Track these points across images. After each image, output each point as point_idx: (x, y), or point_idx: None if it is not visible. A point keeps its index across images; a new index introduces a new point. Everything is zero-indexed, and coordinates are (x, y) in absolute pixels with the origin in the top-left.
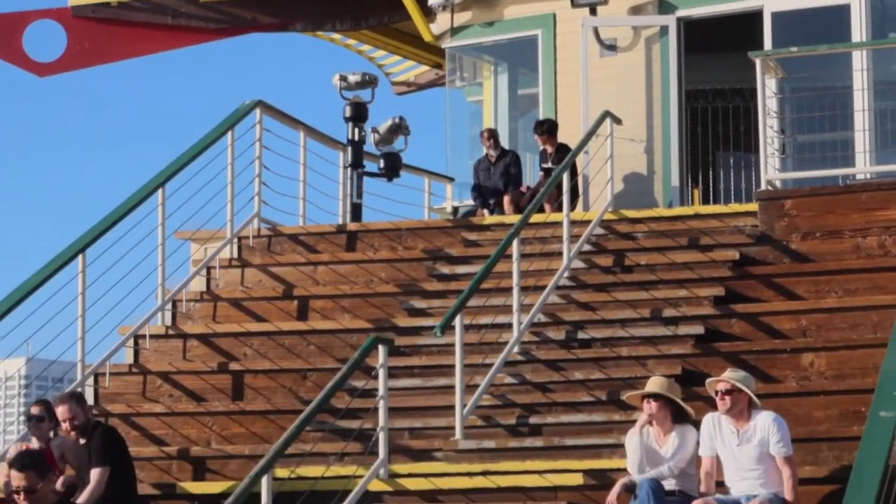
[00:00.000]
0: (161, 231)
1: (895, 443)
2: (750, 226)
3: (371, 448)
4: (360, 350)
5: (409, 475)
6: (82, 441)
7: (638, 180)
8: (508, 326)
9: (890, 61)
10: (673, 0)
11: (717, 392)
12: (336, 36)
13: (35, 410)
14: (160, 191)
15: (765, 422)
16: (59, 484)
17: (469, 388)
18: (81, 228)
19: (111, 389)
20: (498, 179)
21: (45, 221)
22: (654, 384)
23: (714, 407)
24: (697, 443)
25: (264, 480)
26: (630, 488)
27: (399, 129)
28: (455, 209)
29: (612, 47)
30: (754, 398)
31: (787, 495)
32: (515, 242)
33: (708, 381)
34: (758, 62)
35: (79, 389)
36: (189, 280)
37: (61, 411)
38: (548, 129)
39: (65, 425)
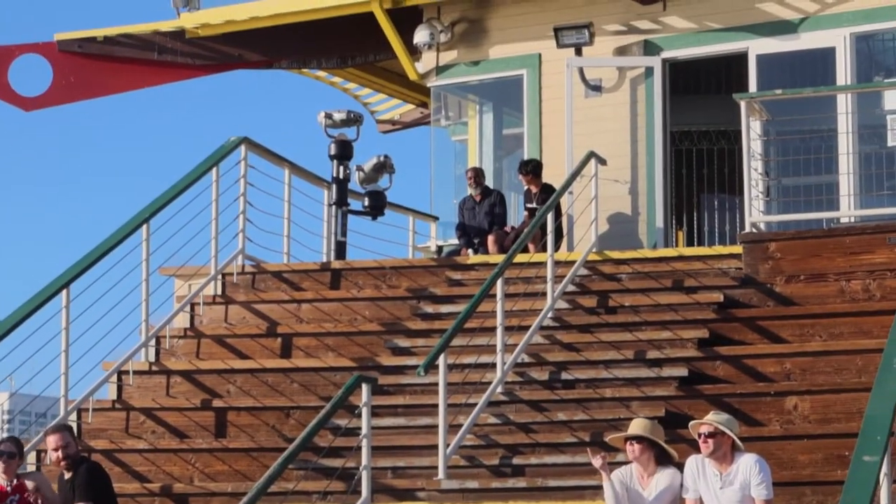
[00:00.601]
0: (145, 267)
1: (879, 487)
2: (734, 268)
3: (354, 487)
4: (343, 388)
5: None
6: (67, 476)
7: (622, 221)
8: (492, 366)
9: (875, 105)
10: (658, 41)
11: (700, 435)
12: (322, 74)
13: (4, 447)
14: (145, 226)
15: (747, 464)
16: None
17: (452, 428)
18: (65, 263)
19: (94, 425)
20: (483, 219)
21: (28, 256)
22: (637, 426)
23: (698, 449)
24: (681, 485)
25: None
26: None
27: (384, 167)
28: (439, 248)
29: (597, 88)
30: (737, 441)
31: None
32: (499, 282)
33: (691, 423)
34: (742, 104)
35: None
36: (173, 316)
37: (54, 440)
38: (532, 169)
39: (55, 455)
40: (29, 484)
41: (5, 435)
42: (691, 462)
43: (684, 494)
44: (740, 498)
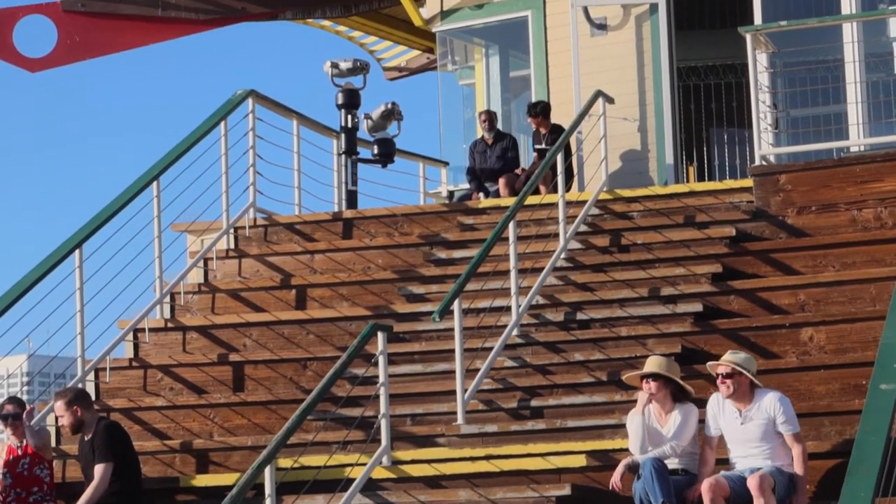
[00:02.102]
0: (157, 224)
1: None
2: (745, 202)
3: (373, 436)
4: (359, 338)
5: (412, 461)
6: (87, 437)
7: (632, 159)
8: (507, 310)
9: (881, 33)
10: None
11: (717, 375)
12: (326, 23)
13: (6, 410)
14: (155, 183)
15: (771, 401)
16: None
17: (469, 373)
18: (77, 223)
19: (112, 384)
20: (494, 162)
21: (41, 217)
22: (653, 364)
23: (717, 385)
24: (699, 421)
25: (267, 471)
26: (633, 468)
27: (392, 114)
28: (450, 193)
29: (602, 26)
30: (755, 380)
31: (799, 470)
32: (511, 225)
33: (709, 363)
34: (748, 37)
35: (79, 385)
36: (186, 272)
37: (55, 408)
38: (541, 110)
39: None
40: (31, 442)
41: (25, 397)
42: (713, 400)
43: (706, 432)
44: (762, 433)
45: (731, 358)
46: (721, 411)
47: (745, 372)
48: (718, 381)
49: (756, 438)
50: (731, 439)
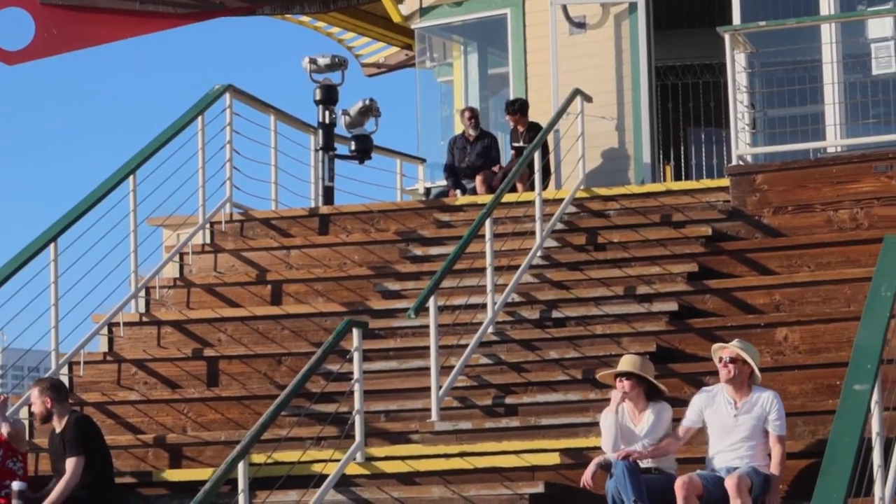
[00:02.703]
0: (133, 218)
1: (870, 416)
2: (722, 201)
3: (347, 431)
4: (334, 334)
5: (386, 458)
6: (58, 429)
7: (609, 158)
8: (482, 307)
9: (858, 34)
10: None
11: (720, 359)
12: (305, 19)
13: None
14: (131, 177)
15: (768, 399)
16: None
17: (444, 370)
18: (53, 217)
19: (86, 378)
20: (475, 159)
21: (16, 211)
22: (626, 363)
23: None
24: (673, 419)
25: (241, 466)
26: (606, 467)
27: (370, 110)
28: (427, 190)
29: (581, 25)
30: (756, 372)
31: (776, 471)
32: (488, 222)
33: (714, 346)
34: (727, 37)
35: (55, 377)
36: (162, 266)
37: (31, 394)
38: (519, 107)
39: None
40: (4, 430)
41: None
42: (701, 393)
43: (684, 422)
44: (752, 428)
45: (737, 344)
46: (711, 403)
47: (749, 360)
48: (720, 365)
49: (745, 433)
50: (719, 430)
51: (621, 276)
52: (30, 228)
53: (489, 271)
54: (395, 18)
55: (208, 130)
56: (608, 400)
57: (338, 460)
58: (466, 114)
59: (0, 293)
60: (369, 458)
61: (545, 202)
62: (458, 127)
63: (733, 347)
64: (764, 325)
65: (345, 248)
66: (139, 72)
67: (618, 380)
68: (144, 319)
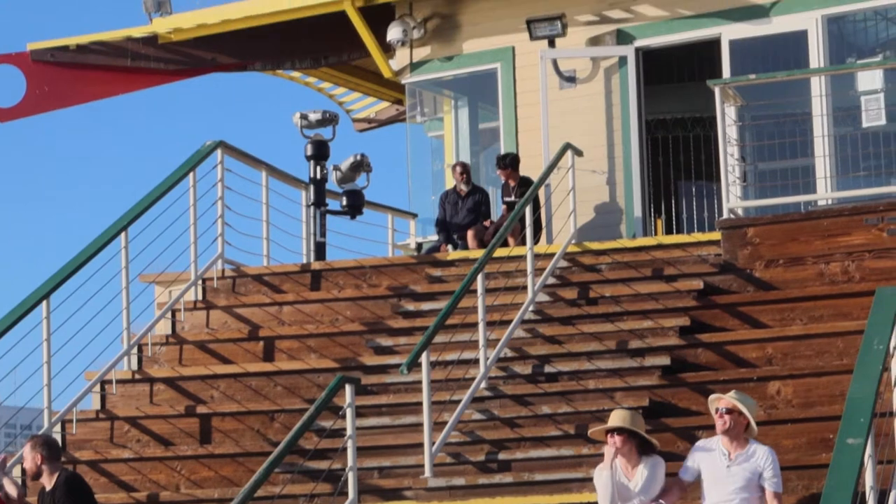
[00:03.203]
0: (125, 274)
1: (863, 470)
2: (713, 255)
3: (341, 489)
4: (326, 390)
5: None
6: (48, 487)
7: (601, 212)
8: (475, 362)
9: (848, 87)
10: (631, 30)
11: (717, 410)
12: (296, 74)
13: None
14: (123, 234)
15: (763, 454)
16: None
17: (437, 426)
18: (45, 273)
19: (79, 436)
20: (466, 214)
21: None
22: (617, 418)
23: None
24: (667, 474)
25: None
26: None
27: (361, 166)
28: (419, 245)
29: (571, 79)
30: (753, 424)
31: None
32: (480, 277)
33: (711, 396)
34: (717, 90)
35: (49, 434)
36: (154, 323)
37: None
38: (510, 162)
39: None
40: (11, 490)
41: None
42: (699, 443)
43: (680, 473)
44: (745, 481)
45: (734, 396)
46: (708, 453)
47: (745, 412)
48: (716, 416)
49: (738, 485)
50: (713, 481)
51: (613, 330)
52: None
53: (481, 326)
54: (386, 73)
55: (200, 186)
56: (601, 455)
57: None
58: (458, 169)
59: None
60: None
61: (537, 257)
62: (450, 181)
63: (730, 398)
64: (757, 378)
65: (337, 303)
66: (130, 128)
67: (609, 435)
68: (137, 376)
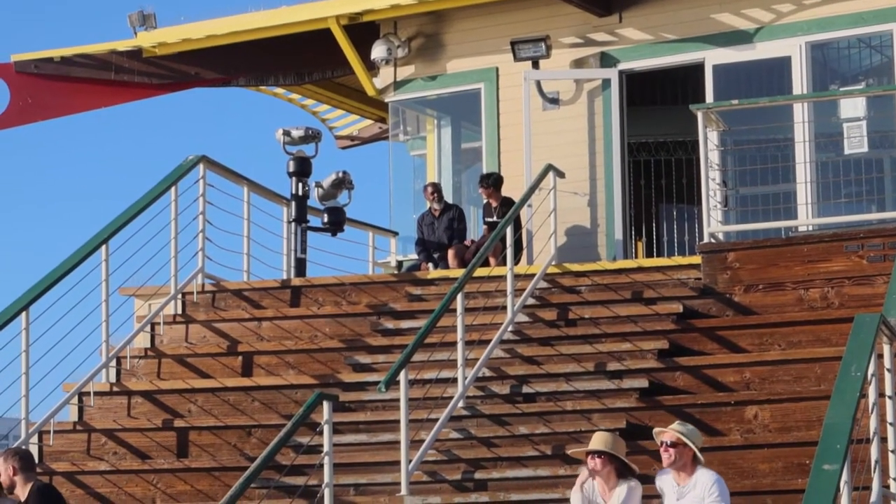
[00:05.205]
0: (105, 287)
1: (839, 496)
2: (693, 279)
3: None
4: (304, 406)
5: None
6: (21, 498)
7: (581, 233)
8: (453, 381)
9: (830, 113)
10: (615, 53)
11: (661, 443)
12: (279, 90)
13: None
14: (104, 247)
15: (704, 482)
16: None
17: (414, 444)
18: (24, 285)
19: (55, 447)
20: (442, 234)
21: None
22: (598, 440)
23: (661, 461)
24: (644, 496)
25: None
26: None
27: (343, 183)
28: (399, 263)
29: (554, 100)
30: (698, 454)
31: None
32: (459, 297)
33: (655, 430)
34: (699, 115)
35: (23, 447)
36: (133, 336)
37: None
38: (493, 182)
39: None
40: None
41: None
42: (660, 472)
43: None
44: None
45: (677, 428)
46: (666, 482)
47: (689, 443)
48: (661, 450)
49: None
50: None
51: (592, 352)
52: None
53: (460, 345)
54: (370, 92)
55: (181, 201)
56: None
57: None
58: (429, 189)
59: None
60: None
61: (517, 277)
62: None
63: (673, 431)
64: (734, 403)
65: (316, 320)
66: (113, 141)
67: (589, 457)
68: (115, 389)
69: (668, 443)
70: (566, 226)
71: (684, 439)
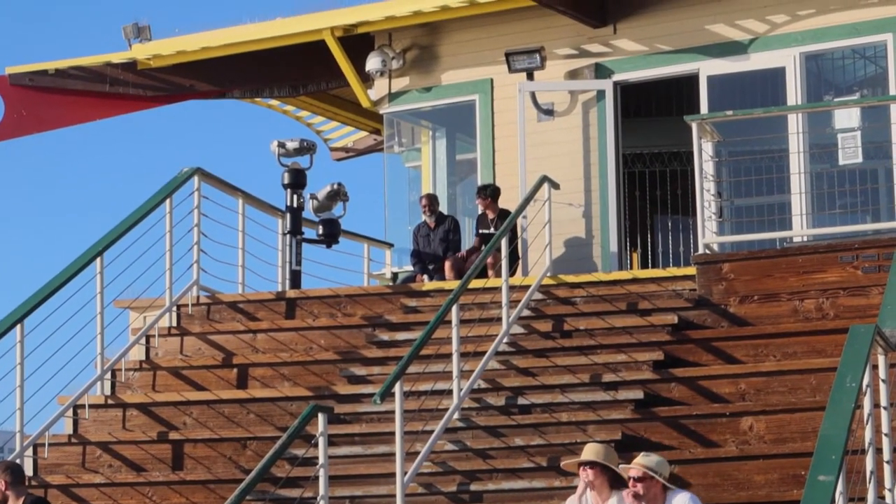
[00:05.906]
0: (100, 300)
1: None
2: (688, 290)
3: None
4: (299, 419)
5: None
6: None
7: (576, 245)
8: (448, 393)
9: (825, 124)
10: (609, 64)
11: (629, 478)
12: (274, 102)
13: None
14: (98, 259)
15: (681, 502)
16: None
17: (409, 456)
18: (19, 297)
19: (50, 460)
20: (437, 245)
21: None
22: (590, 451)
23: None
24: None
25: None
26: None
27: (338, 195)
28: (394, 275)
29: (549, 112)
30: (667, 484)
31: None
32: (455, 308)
33: (621, 466)
34: (694, 126)
35: (17, 460)
36: (128, 349)
37: None
38: (491, 193)
39: None
40: None
41: None
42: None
43: None
44: None
45: (642, 461)
46: None
47: (655, 476)
48: (630, 485)
49: None
50: None
51: (587, 363)
52: None
53: (455, 357)
54: (364, 103)
55: (176, 213)
56: (574, 488)
57: None
58: (423, 201)
59: None
60: None
61: (512, 289)
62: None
63: (638, 466)
64: (729, 414)
65: (311, 332)
66: (108, 153)
67: (581, 468)
68: (110, 402)
69: (635, 477)
70: (561, 237)
71: (650, 472)
